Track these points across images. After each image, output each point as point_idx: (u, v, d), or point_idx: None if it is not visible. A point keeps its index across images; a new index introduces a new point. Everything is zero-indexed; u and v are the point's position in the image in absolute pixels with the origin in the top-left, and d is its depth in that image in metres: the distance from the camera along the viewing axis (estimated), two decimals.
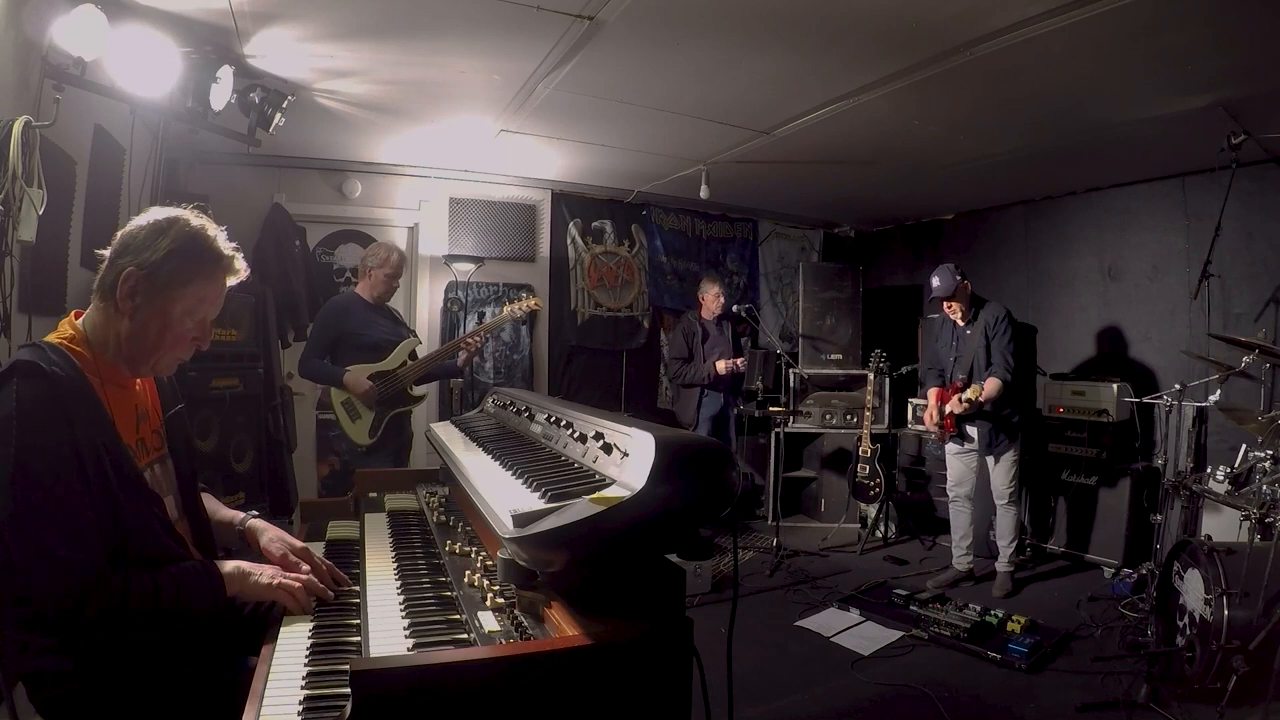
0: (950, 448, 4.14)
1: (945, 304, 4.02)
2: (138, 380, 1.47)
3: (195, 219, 1.40)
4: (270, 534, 1.59)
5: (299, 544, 1.58)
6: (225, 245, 1.42)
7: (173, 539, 1.40)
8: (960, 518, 4.16)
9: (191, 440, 1.61)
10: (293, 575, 1.42)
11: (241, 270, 1.46)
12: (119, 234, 1.38)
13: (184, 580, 1.30)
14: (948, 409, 3.97)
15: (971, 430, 4.03)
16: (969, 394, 3.80)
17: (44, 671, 1.27)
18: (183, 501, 1.52)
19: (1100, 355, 4.95)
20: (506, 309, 3.83)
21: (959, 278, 3.93)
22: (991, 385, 3.80)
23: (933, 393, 4.12)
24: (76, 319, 1.39)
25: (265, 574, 1.38)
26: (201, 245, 1.38)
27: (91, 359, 1.34)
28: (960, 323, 4.04)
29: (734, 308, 5.22)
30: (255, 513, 1.68)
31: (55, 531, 1.17)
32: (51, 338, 1.35)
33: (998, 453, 3.96)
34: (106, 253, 1.38)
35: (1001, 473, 3.98)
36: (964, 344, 4.03)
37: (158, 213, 1.39)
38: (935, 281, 3.95)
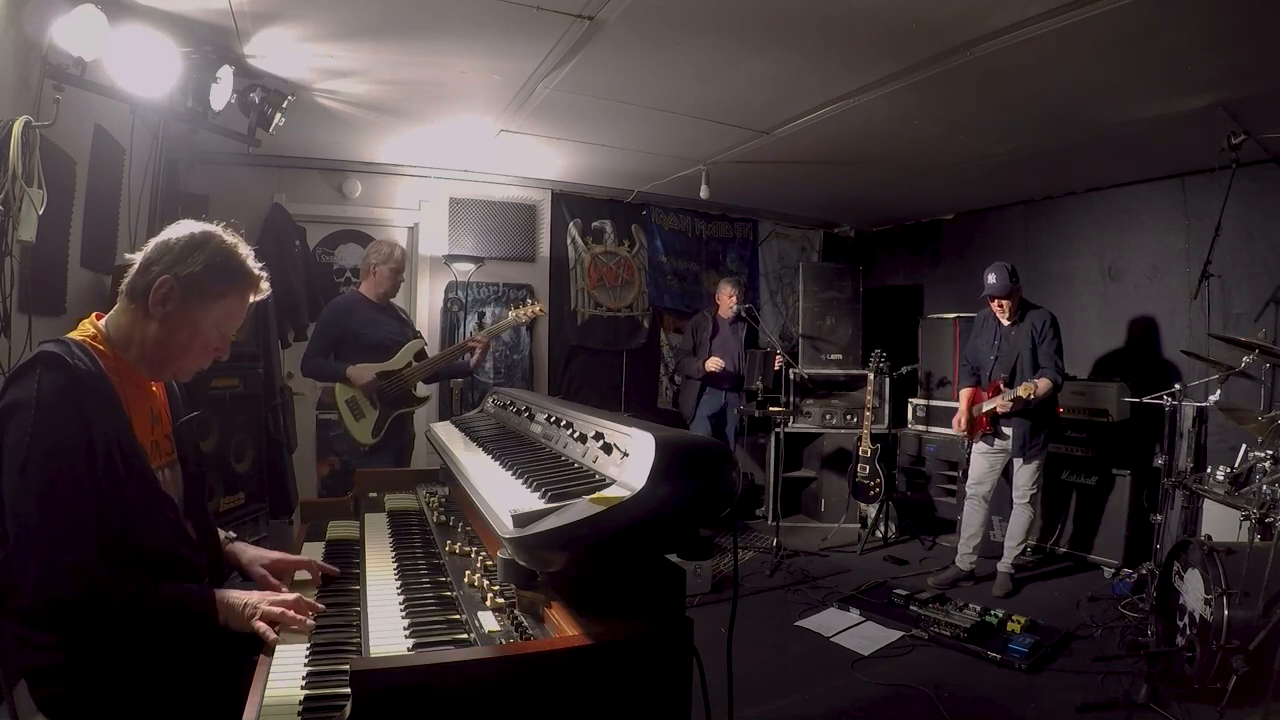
0: (978, 446, 4.12)
1: (995, 302, 4.00)
2: (153, 384, 1.50)
3: (229, 236, 1.46)
4: (249, 554, 1.63)
5: (272, 555, 1.63)
6: (254, 264, 1.48)
7: (180, 539, 1.41)
8: (974, 516, 4.15)
9: (199, 448, 1.63)
10: (278, 604, 1.36)
11: (266, 290, 1.52)
12: (152, 242, 1.42)
13: (171, 599, 1.30)
14: (987, 406, 3.96)
15: (1007, 430, 4.01)
16: (1021, 391, 3.76)
17: (44, 667, 1.28)
18: (187, 508, 1.53)
19: (1100, 355, 4.95)
20: (511, 314, 3.82)
21: (1014, 281, 3.91)
22: (1044, 385, 3.79)
23: (965, 394, 4.11)
24: (99, 320, 1.42)
25: (248, 606, 1.34)
26: (236, 262, 1.45)
27: (112, 358, 1.37)
28: (1005, 323, 4.03)
29: (733, 307, 5.23)
30: (234, 535, 1.72)
31: (53, 531, 1.19)
32: (75, 334, 1.38)
33: (1029, 455, 3.95)
34: (136, 257, 1.42)
35: (1027, 473, 3.97)
36: (1006, 344, 4.01)
37: (192, 226, 1.44)
38: (991, 279, 3.93)
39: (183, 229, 1.42)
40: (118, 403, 1.33)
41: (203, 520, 1.57)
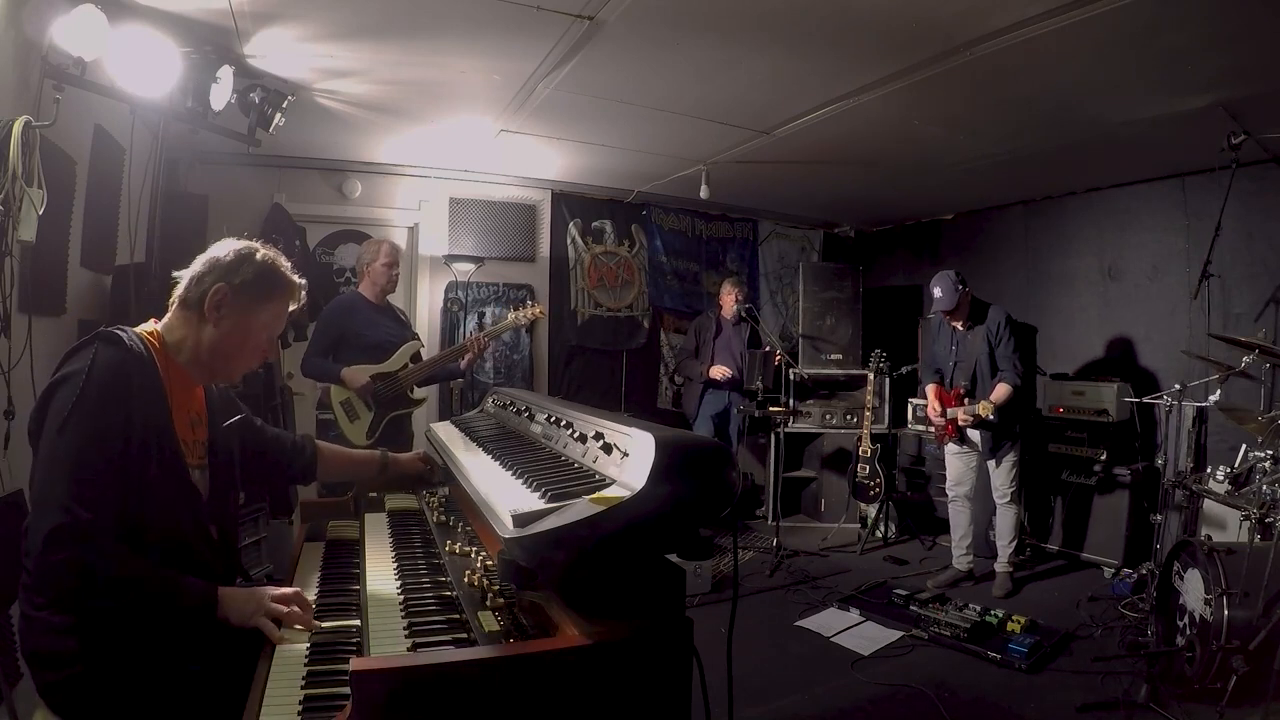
0: (950, 447, 4.14)
1: (945, 315, 4.01)
2: (197, 388, 1.57)
3: (267, 250, 1.60)
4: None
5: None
6: (294, 274, 1.62)
7: (200, 536, 1.44)
8: (960, 517, 4.16)
9: (234, 461, 1.67)
10: (280, 599, 1.38)
11: (303, 298, 1.64)
12: (201, 259, 1.55)
13: (172, 582, 1.31)
14: (949, 414, 3.97)
15: (973, 434, 4.03)
16: (979, 410, 3.77)
17: (47, 652, 1.29)
18: (211, 514, 1.54)
19: (1100, 355, 4.95)
20: (510, 316, 3.82)
21: (960, 287, 3.89)
22: (1001, 391, 3.79)
23: (931, 389, 4.11)
24: (156, 323, 1.52)
25: (251, 602, 1.36)
26: (280, 271, 1.59)
27: (164, 355, 1.47)
28: (960, 328, 4.03)
29: (735, 307, 5.22)
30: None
31: (77, 489, 1.23)
32: (135, 329, 1.48)
33: (999, 456, 3.96)
34: (185, 273, 1.54)
35: (1002, 473, 3.99)
36: (964, 349, 4.01)
37: (236, 243, 1.57)
38: (937, 293, 3.92)
39: (227, 246, 1.55)
40: (163, 393, 1.41)
41: (224, 529, 1.59)
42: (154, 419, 1.37)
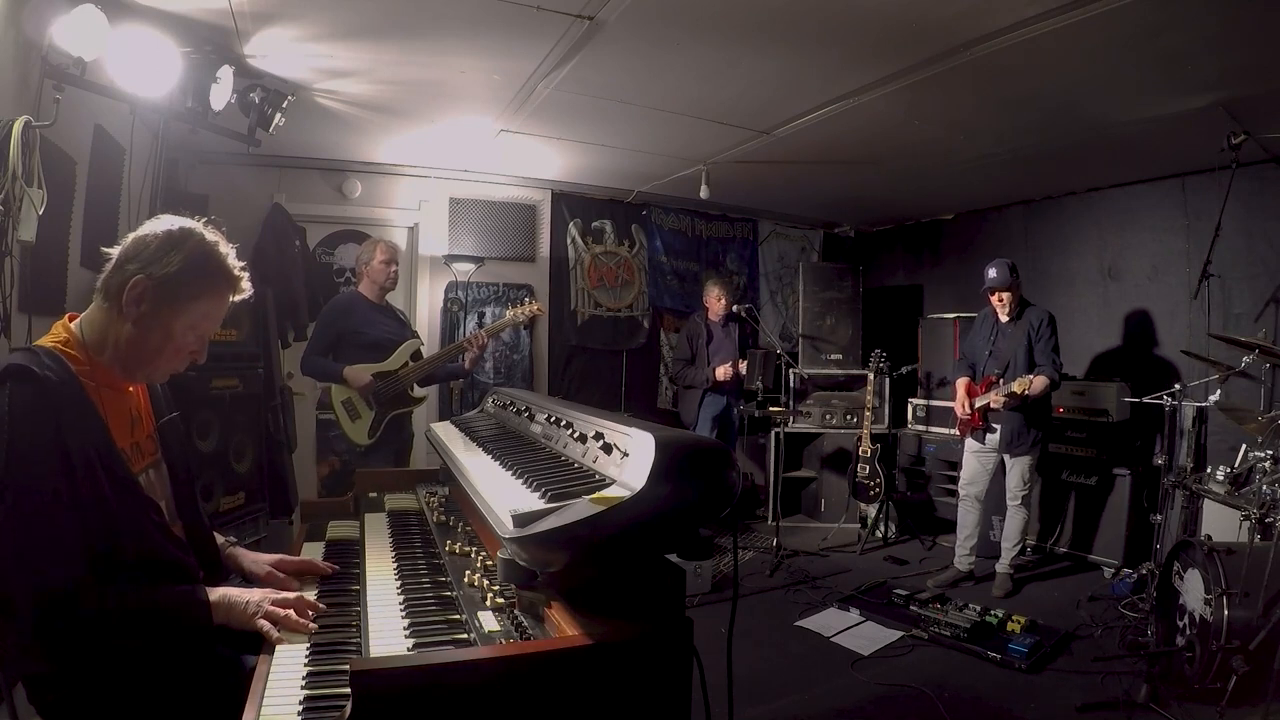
0: (969, 445, 4.13)
1: (995, 295, 4.00)
2: (130, 385, 1.46)
3: (210, 234, 1.41)
4: (250, 558, 1.63)
5: (273, 558, 1.62)
6: (235, 264, 1.43)
7: (171, 542, 1.39)
8: (968, 517, 4.15)
9: (188, 447, 1.60)
10: (279, 601, 1.36)
11: (247, 290, 1.46)
12: (130, 238, 1.38)
13: (166, 604, 1.28)
14: (980, 401, 3.96)
15: (997, 425, 4.00)
16: (1016, 386, 3.74)
17: (33, 675, 1.27)
18: (178, 507, 1.52)
19: (1100, 355, 4.95)
20: (510, 313, 3.83)
21: (1014, 276, 3.92)
22: (1040, 382, 3.79)
23: (961, 383, 4.10)
24: (71, 321, 1.38)
25: (251, 603, 1.33)
26: (214, 263, 1.39)
27: (86, 361, 1.33)
28: (1004, 319, 4.03)
29: (734, 308, 5.21)
30: (234, 540, 1.69)
31: (36, 540, 1.16)
32: (45, 341, 1.34)
33: (1017, 452, 3.94)
34: (113, 252, 1.37)
35: (1017, 473, 3.97)
36: (1004, 341, 4.02)
37: (171, 222, 1.39)
38: (992, 273, 3.94)
39: (161, 225, 1.37)
40: (93, 409, 1.29)
41: (195, 521, 1.55)
42: (91, 442, 1.25)
